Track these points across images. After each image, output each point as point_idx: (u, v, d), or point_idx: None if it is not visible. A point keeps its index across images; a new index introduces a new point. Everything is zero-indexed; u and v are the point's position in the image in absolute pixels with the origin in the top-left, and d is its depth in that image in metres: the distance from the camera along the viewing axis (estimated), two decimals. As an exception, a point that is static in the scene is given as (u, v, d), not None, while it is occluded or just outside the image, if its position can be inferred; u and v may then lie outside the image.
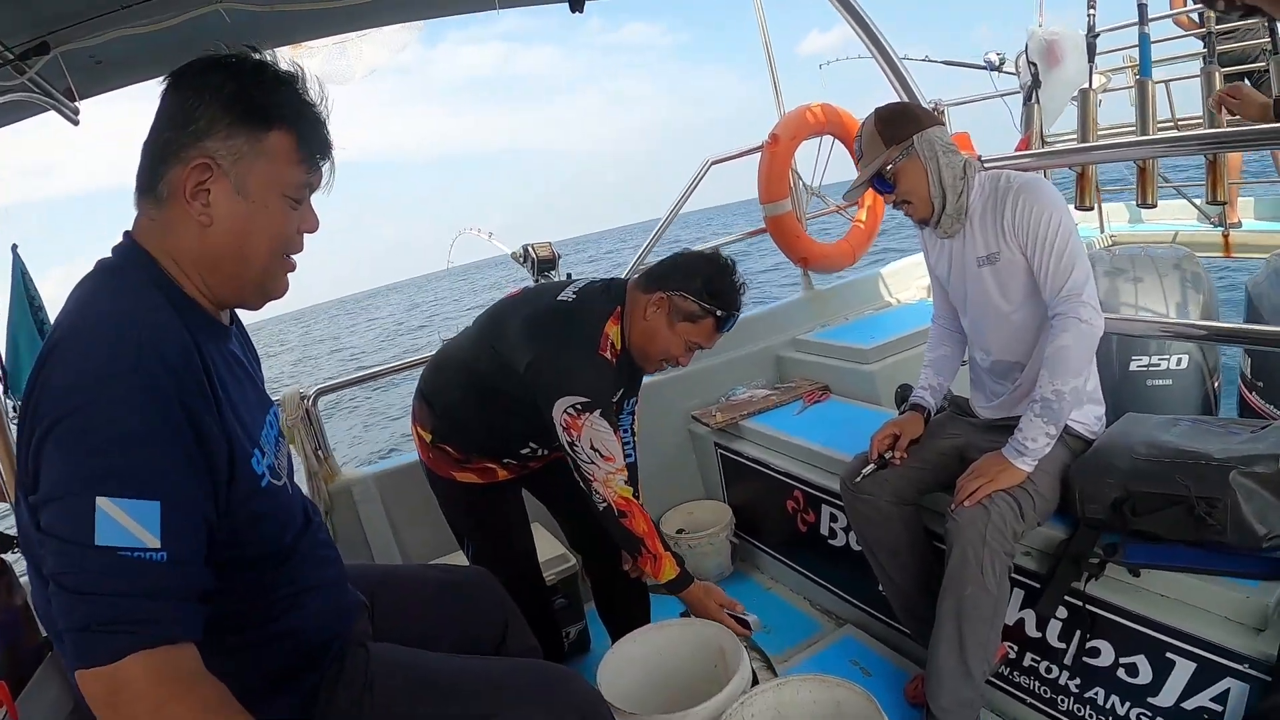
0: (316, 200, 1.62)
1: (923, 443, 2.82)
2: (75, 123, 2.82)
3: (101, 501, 1.21)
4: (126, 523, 1.22)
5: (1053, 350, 2.38)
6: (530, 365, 2.56)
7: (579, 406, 2.52)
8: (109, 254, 1.49)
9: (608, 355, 2.65)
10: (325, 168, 1.60)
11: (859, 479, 2.76)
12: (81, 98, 2.76)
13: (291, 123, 1.50)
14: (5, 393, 2.93)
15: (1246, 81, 5.36)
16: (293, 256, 1.60)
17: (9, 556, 2.24)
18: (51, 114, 2.74)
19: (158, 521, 1.25)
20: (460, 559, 3.18)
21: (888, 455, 2.78)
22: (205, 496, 1.35)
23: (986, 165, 3.01)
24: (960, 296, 2.81)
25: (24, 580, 2.29)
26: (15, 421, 2.49)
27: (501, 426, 2.79)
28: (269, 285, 1.58)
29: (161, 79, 1.51)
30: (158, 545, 1.24)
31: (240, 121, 1.45)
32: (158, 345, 1.33)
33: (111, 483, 1.22)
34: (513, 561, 3.02)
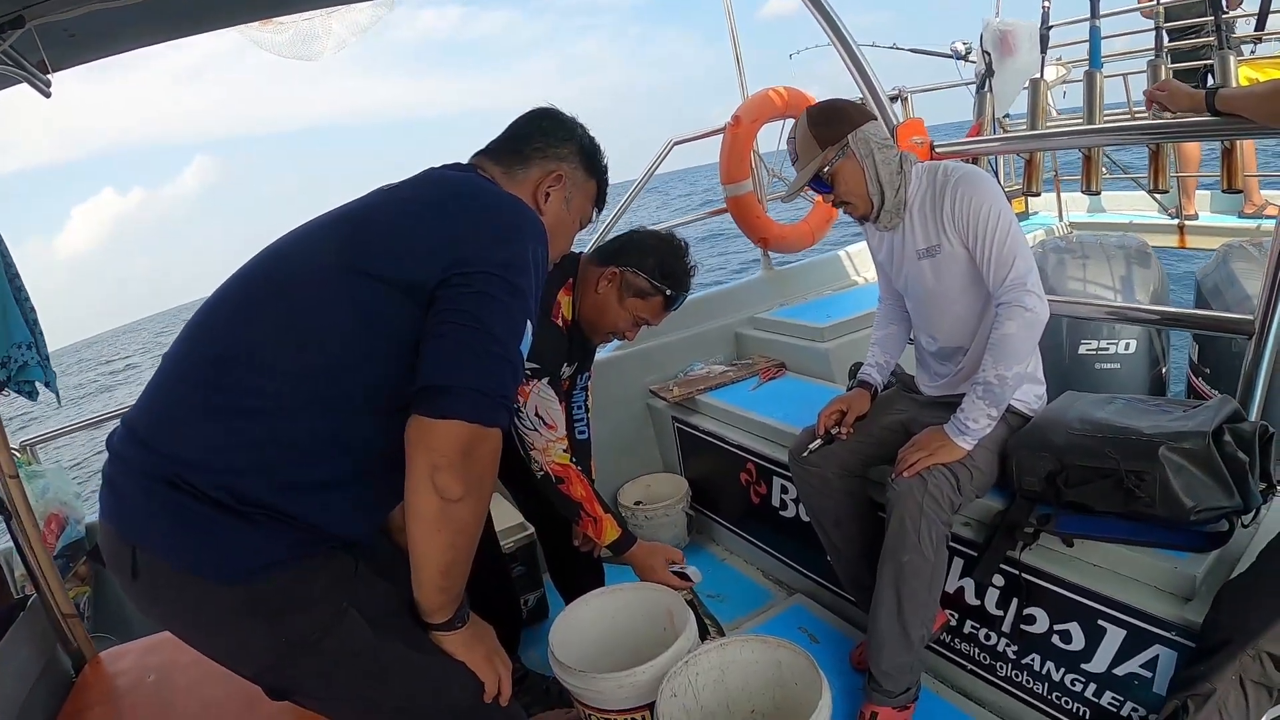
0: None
1: (869, 417, 2.87)
2: (47, 95, 2.79)
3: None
4: (526, 337, 1.65)
5: (998, 337, 2.43)
6: None
7: (529, 372, 2.57)
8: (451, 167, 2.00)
9: (559, 323, 2.72)
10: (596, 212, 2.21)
11: (805, 453, 2.82)
12: (54, 70, 2.76)
13: (601, 181, 2.16)
14: None
15: (1208, 77, 5.47)
16: None
17: None
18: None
19: (528, 342, 1.67)
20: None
21: (834, 430, 2.84)
22: None
23: (937, 150, 3.06)
24: (902, 285, 2.86)
25: (5, 547, 2.33)
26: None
27: None
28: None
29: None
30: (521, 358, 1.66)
31: (586, 165, 2.09)
32: None
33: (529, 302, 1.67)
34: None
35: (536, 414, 2.60)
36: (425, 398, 1.53)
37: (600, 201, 2.22)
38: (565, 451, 2.66)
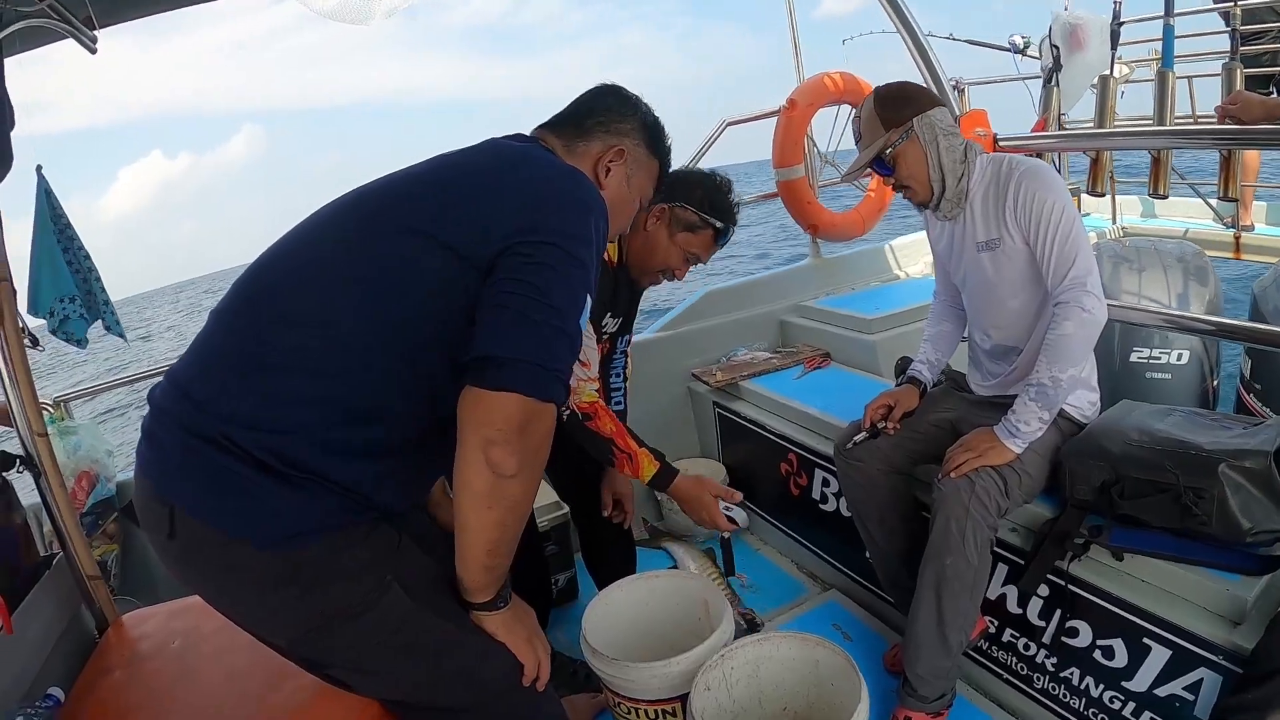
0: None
1: (917, 414, 2.84)
2: (93, 51, 2.79)
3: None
4: (585, 310, 1.63)
5: (1054, 337, 2.38)
6: None
7: None
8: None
9: (605, 262, 2.71)
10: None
11: (850, 445, 2.79)
12: (100, 27, 2.74)
13: (664, 161, 2.14)
14: (26, 311, 2.95)
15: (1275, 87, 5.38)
16: None
17: (10, 475, 2.28)
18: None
19: (587, 316, 1.65)
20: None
21: (881, 425, 2.80)
22: None
23: (1001, 143, 3.00)
24: (960, 278, 2.81)
25: (23, 500, 2.33)
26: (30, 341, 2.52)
27: None
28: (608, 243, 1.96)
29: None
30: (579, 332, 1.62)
31: (648, 143, 2.07)
32: None
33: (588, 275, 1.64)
34: None
35: None
36: (481, 369, 1.50)
37: (662, 182, 2.18)
38: (596, 392, 2.62)
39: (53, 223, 3.47)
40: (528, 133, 2.02)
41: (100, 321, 3.60)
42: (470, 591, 1.70)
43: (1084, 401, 2.63)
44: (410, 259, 1.62)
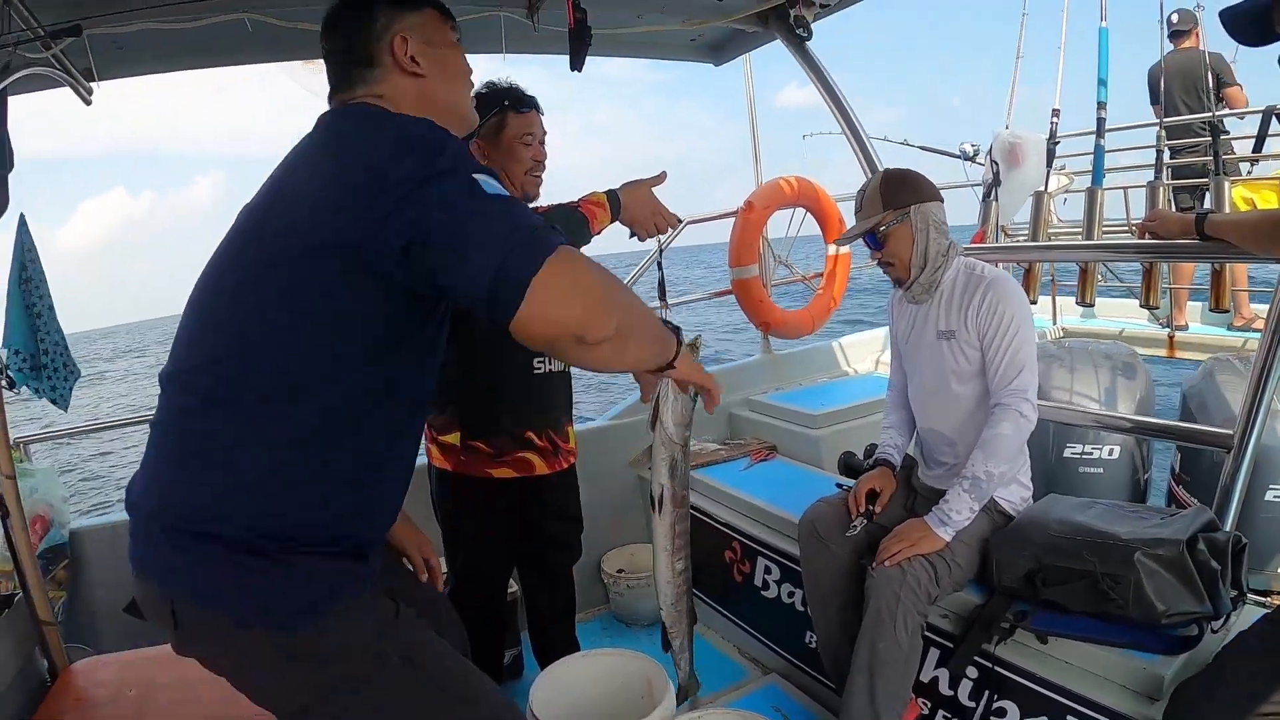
0: None
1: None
2: (88, 102, 2.90)
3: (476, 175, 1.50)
4: (494, 184, 1.51)
5: (990, 435, 2.56)
6: None
7: None
8: None
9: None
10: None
11: (851, 533, 2.83)
12: (100, 79, 2.86)
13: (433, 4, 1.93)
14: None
15: (1206, 195, 5.63)
16: None
17: None
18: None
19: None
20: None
21: (871, 509, 2.89)
22: None
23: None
24: (912, 361, 2.96)
25: None
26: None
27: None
28: None
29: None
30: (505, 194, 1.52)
31: (408, 7, 1.86)
32: None
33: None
34: (498, 567, 3.17)
35: None
36: (493, 303, 1.44)
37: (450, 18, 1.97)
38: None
39: (22, 271, 3.44)
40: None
41: (49, 382, 3.58)
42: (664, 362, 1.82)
43: (1015, 496, 2.76)
44: (281, 287, 1.60)
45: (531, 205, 2.80)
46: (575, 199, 2.80)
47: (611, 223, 2.78)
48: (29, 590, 2.41)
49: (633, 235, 2.85)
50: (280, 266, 1.58)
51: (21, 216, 3.34)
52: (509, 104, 2.84)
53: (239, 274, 1.65)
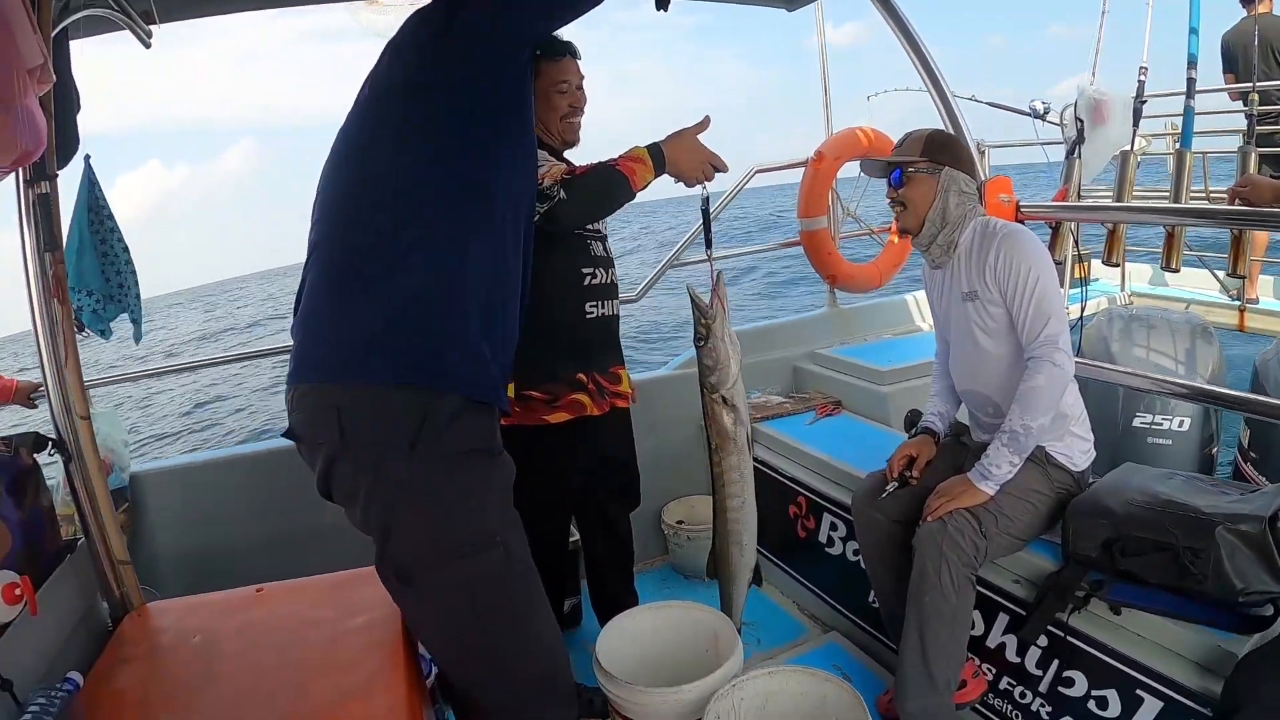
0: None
1: (932, 466, 2.94)
2: (148, 45, 2.86)
3: None
4: None
5: (1026, 389, 2.54)
6: None
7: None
8: None
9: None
10: None
11: (883, 497, 2.87)
12: (159, 22, 2.82)
13: None
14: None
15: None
16: None
17: (40, 458, 2.30)
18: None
19: None
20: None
21: (907, 474, 2.90)
22: None
23: (1024, 210, 3.13)
24: (945, 325, 2.99)
25: (51, 483, 2.37)
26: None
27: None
28: None
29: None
30: None
31: None
32: None
33: None
34: (559, 513, 3.22)
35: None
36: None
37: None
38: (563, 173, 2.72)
39: (91, 213, 3.49)
40: None
41: (127, 315, 3.63)
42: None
43: (1074, 450, 2.74)
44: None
45: (570, 167, 2.77)
46: (614, 156, 2.76)
47: (656, 177, 2.74)
48: (103, 530, 2.40)
49: (679, 182, 2.79)
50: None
51: (87, 158, 3.37)
52: (541, 51, 2.85)
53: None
